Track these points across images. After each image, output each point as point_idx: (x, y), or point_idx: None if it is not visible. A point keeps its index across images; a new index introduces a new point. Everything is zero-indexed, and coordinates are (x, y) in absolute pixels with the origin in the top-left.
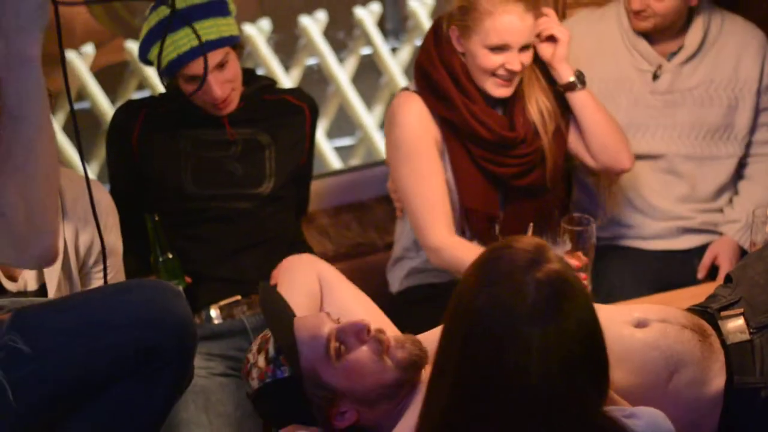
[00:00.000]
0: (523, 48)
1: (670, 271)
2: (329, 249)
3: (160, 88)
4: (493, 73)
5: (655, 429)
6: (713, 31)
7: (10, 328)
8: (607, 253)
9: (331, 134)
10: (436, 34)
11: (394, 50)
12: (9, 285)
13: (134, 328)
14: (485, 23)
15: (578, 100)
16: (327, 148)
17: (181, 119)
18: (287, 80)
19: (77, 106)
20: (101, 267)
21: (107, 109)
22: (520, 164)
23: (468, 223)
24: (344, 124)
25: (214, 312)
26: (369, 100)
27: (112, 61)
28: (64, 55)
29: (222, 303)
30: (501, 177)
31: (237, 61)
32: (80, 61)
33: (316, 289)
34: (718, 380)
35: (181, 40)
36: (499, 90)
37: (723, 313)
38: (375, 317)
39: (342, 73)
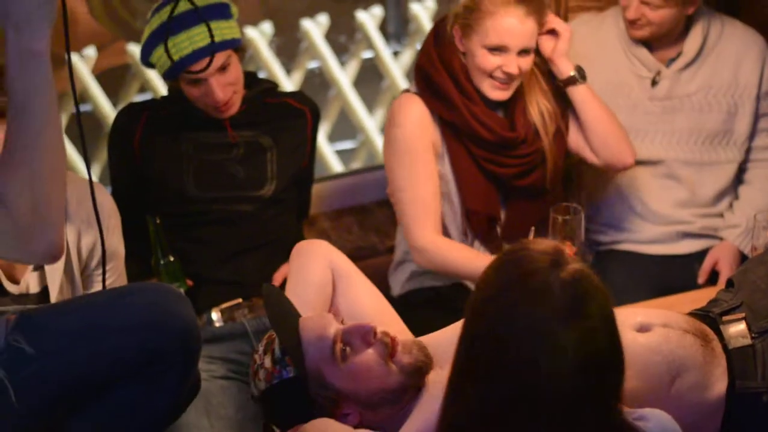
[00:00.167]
0: (522, 52)
1: (670, 275)
2: None
3: (162, 91)
4: (490, 75)
5: (664, 431)
6: (712, 36)
7: (14, 329)
8: (607, 257)
9: (333, 137)
10: (436, 35)
11: (395, 54)
12: (11, 287)
13: (137, 331)
14: (486, 23)
15: (579, 94)
16: (328, 152)
17: (183, 122)
18: (289, 83)
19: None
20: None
21: (109, 112)
22: (521, 164)
23: (469, 225)
24: (345, 127)
25: (215, 315)
26: (370, 104)
27: (114, 64)
28: (70, 57)
29: (223, 306)
30: (502, 177)
31: (239, 64)
32: (82, 63)
33: (327, 279)
34: (719, 385)
35: (183, 43)
36: (495, 92)
37: (725, 318)
38: (386, 314)
39: (343, 76)
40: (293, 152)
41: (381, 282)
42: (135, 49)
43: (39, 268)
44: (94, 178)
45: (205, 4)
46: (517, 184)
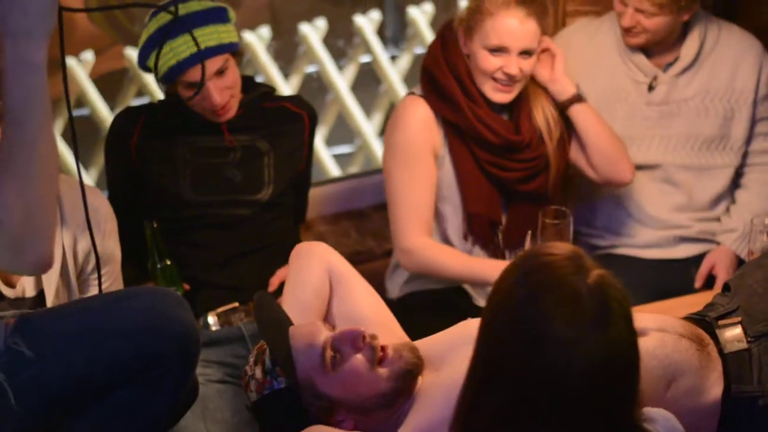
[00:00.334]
0: (524, 53)
1: (667, 280)
2: None
3: (160, 95)
4: (492, 77)
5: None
6: (709, 41)
7: (14, 332)
8: (604, 261)
9: (330, 142)
10: (443, 38)
11: (393, 58)
12: (7, 291)
13: (135, 335)
14: (486, 24)
15: (582, 113)
16: (326, 156)
17: (180, 126)
18: (287, 88)
19: (76, 113)
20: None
21: (106, 115)
22: (525, 169)
23: (470, 229)
24: (343, 131)
25: (211, 319)
26: (368, 108)
27: (112, 68)
28: (64, 61)
29: (219, 310)
30: (505, 181)
31: (236, 68)
32: (80, 67)
33: (324, 281)
34: (715, 389)
35: (180, 47)
36: (497, 95)
37: (721, 322)
38: (383, 316)
39: (341, 80)
40: (290, 156)
41: (378, 286)
42: (133, 53)
43: None
44: (92, 182)
45: (203, 8)
46: (519, 189)
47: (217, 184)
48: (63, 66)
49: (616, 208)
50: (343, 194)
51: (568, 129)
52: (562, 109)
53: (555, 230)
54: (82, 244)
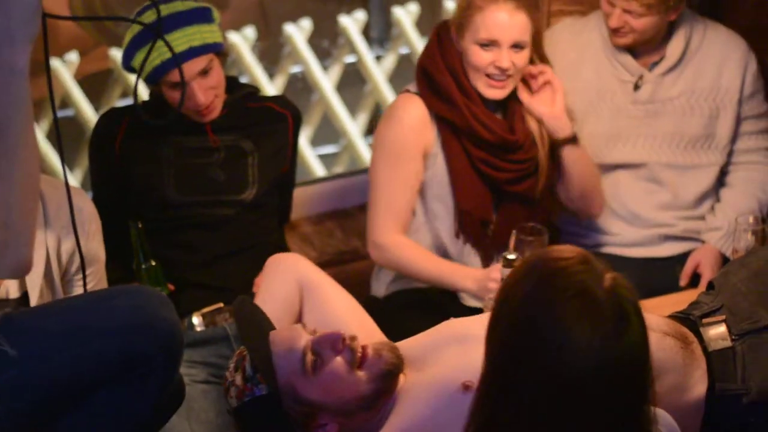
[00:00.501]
0: (515, 47)
1: (652, 278)
2: (312, 257)
3: (144, 96)
4: (485, 73)
5: (672, 430)
6: (695, 41)
7: None
8: None
9: (315, 142)
10: (439, 36)
11: (378, 58)
12: None
13: (120, 334)
14: (476, 19)
15: (573, 154)
16: (310, 156)
17: (164, 126)
18: (271, 88)
19: (61, 113)
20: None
21: (91, 116)
22: (517, 170)
23: (461, 226)
24: (328, 131)
25: (196, 319)
26: (353, 108)
27: (96, 69)
28: (49, 68)
29: (204, 310)
30: (496, 181)
31: (220, 68)
32: (64, 68)
33: (293, 294)
34: (699, 387)
35: (164, 47)
36: (490, 91)
37: (705, 320)
38: (359, 318)
39: (326, 81)
40: (274, 156)
41: (364, 286)
42: (117, 54)
43: None
44: (77, 183)
45: (187, 8)
46: (510, 190)
47: (201, 185)
48: (48, 73)
49: None
50: (328, 194)
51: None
52: (556, 145)
53: (531, 248)
54: (66, 245)
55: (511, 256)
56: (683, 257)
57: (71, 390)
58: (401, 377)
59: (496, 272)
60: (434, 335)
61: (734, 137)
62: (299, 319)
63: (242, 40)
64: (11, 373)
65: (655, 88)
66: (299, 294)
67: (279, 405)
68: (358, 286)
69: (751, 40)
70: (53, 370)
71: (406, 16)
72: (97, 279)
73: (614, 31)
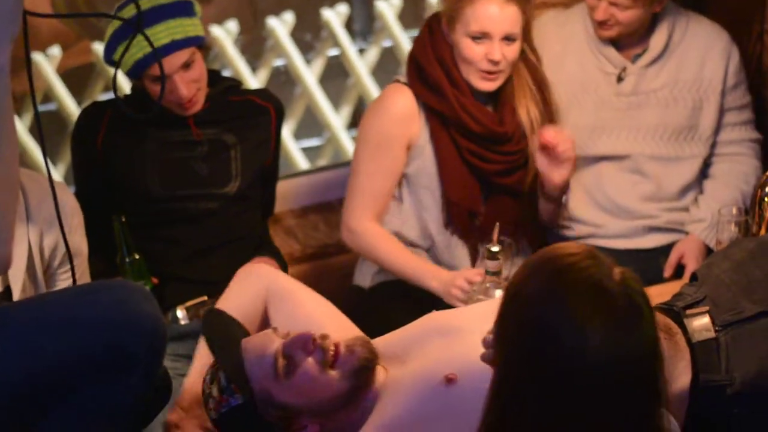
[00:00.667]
0: (506, 39)
1: (636, 269)
2: (296, 249)
3: (126, 90)
4: (477, 66)
5: (676, 428)
6: (678, 33)
7: None
8: None
9: (299, 135)
10: (431, 27)
11: (361, 51)
12: None
13: (103, 329)
14: (467, 11)
15: (553, 203)
16: (294, 149)
17: (147, 120)
18: (254, 81)
19: (43, 107)
20: (66, 268)
21: (74, 110)
22: (505, 162)
23: (450, 217)
24: (311, 125)
25: (180, 313)
26: (336, 101)
27: (79, 63)
28: (30, 67)
29: (188, 304)
30: (484, 173)
31: (203, 61)
32: (47, 62)
33: (254, 306)
34: (683, 378)
35: (144, 42)
36: (482, 83)
37: (688, 311)
38: (335, 319)
39: (309, 74)
40: (257, 149)
41: (347, 279)
42: (99, 48)
43: None
44: (60, 177)
45: (169, 2)
46: (498, 182)
47: (184, 178)
48: (29, 71)
49: (585, 198)
50: (311, 187)
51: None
52: (544, 196)
53: (497, 259)
54: (48, 240)
55: (495, 248)
56: (667, 249)
57: (53, 385)
58: (382, 372)
59: (461, 280)
60: (417, 329)
61: (717, 129)
62: (263, 326)
63: (225, 34)
64: None
65: (638, 80)
66: (262, 303)
67: (256, 412)
68: (341, 279)
69: (733, 32)
70: (34, 365)
71: (388, 9)
72: (80, 273)
73: (600, 24)
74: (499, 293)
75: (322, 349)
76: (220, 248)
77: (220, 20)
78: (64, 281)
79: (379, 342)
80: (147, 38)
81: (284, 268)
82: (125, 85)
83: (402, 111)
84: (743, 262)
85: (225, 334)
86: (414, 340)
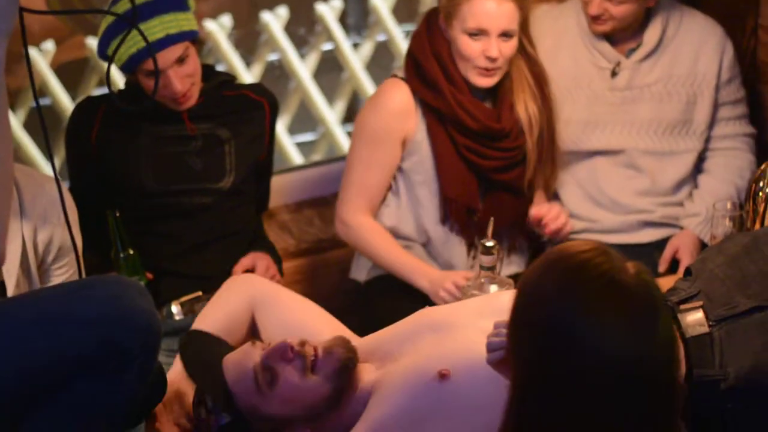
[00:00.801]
0: (503, 35)
1: None
2: (291, 244)
3: (120, 85)
4: (474, 62)
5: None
6: (672, 27)
7: None
8: None
9: (293, 130)
10: (428, 22)
11: (355, 46)
12: None
13: (97, 324)
14: (464, 8)
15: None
16: (288, 144)
17: (141, 115)
18: (248, 76)
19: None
20: (60, 264)
21: (68, 105)
22: (503, 158)
23: (448, 213)
24: (306, 119)
25: (175, 308)
26: (330, 96)
27: (73, 58)
28: (28, 54)
29: (183, 299)
30: (482, 169)
31: (196, 55)
32: (41, 57)
33: (239, 315)
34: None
35: (138, 37)
36: (480, 79)
37: (682, 306)
38: (320, 317)
39: (303, 68)
40: (251, 144)
41: (342, 273)
42: (93, 43)
43: None
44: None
45: None
46: (496, 178)
47: (178, 173)
48: (29, 67)
49: (580, 193)
50: (306, 182)
51: (551, 123)
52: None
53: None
54: (42, 235)
55: (489, 244)
56: (662, 243)
57: (46, 381)
58: (369, 369)
59: (449, 283)
60: (408, 325)
61: (712, 123)
62: (250, 335)
63: (219, 28)
64: None
65: (632, 74)
66: (248, 312)
67: (246, 428)
68: (336, 274)
69: (727, 27)
70: (27, 360)
71: (382, 3)
72: (73, 268)
73: (594, 19)
74: (494, 288)
75: (302, 355)
76: (215, 243)
77: (215, 15)
78: (58, 277)
79: (371, 339)
80: (141, 33)
81: (279, 263)
82: (119, 80)
83: (399, 106)
84: (738, 256)
85: (203, 357)
86: (406, 336)
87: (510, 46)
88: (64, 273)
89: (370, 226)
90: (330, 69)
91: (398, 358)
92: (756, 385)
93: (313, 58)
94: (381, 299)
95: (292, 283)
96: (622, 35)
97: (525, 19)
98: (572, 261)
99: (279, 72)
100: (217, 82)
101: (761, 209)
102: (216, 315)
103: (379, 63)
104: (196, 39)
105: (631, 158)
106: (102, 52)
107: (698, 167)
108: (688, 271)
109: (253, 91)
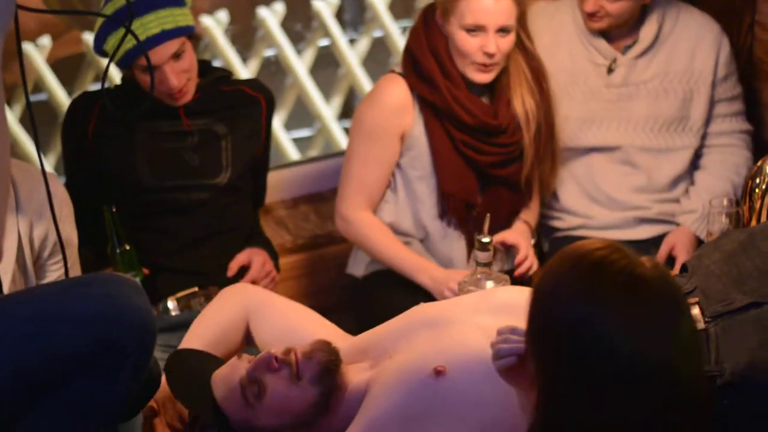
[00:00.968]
0: (501, 31)
1: None
2: (287, 240)
3: (117, 80)
4: (472, 58)
5: None
6: (668, 24)
7: None
8: (563, 244)
9: (289, 126)
10: (426, 18)
11: (352, 42)
12: None
13: (92, 322)
14: (461, 4)
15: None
16: (285, 140)
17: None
18: (245, 72)
19: (34, 98)
20: (56, 259)
21: (64, 100)
22: (500, 153)
23: (446, 208)
24: (302, 115)
25: (171, 304)
26: (327, 92)
27: (69, 53)
28: (21, 50)
29: (179, 295)
30: (479, 164)
31: (193, 51)
32: (37, 53)
33: (232, 324)
34: None
35: (136, 31)
36: (478, 75)
37: None
38: (312, 321)
39: (300, 64)
40: (248, 140)
41: (339, 269)
42: (90, 38)
43: None
44: (51, 168)
45: None
46: (494, 173)
47: (175, 169)
48: (21, 64)
49: (576, 190)
50: (302, 178)
51: (549, 122)
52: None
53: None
54: (38, 231)
55: (486, 239)
56: (658, 240)
57: (40, 379)
58: (358, 369)
59: (454, 284)
60: (403, 321)
61: (708, 120)
62: (245, 344)
63: (215, 24)
64: None
65: (628, 71)
66: (242, 321)
67: None
68: (333, 270)
69: (724, 23)
70: (23, 358)
71: None
72: (70, 263)
73: (589, 16)
74: (490, 284)
75: (287, 363)
76: (211, 239)
77: (211, 10)
78: (54, 272)
79: (365, 337)
80: (134, 35)
81: (275, 259)
82: (116, 75)
83: (396, 102)
84: (734, 253)
85: (189, 378)
86: (401, 333)
87: (507, 42)
88: (59, 268)
89: (370, 222)
90: (327, 65)
91: (393, 355)
92: (752, 382)
93: (309, 54)
94: (379, 294)
95: (289, 278)
96: (619, 32)
97: (522, 14)
98: (589, 259)
99: (275, 68)
100: (214, 77)
101: (757, 206)
102: (210, 325)
103: (376, 59)
104: (192, 34)
105: (628, 155)
106: (98, 47)
107: (694, 164)
108: (684, 268)
109: (249, 86)
